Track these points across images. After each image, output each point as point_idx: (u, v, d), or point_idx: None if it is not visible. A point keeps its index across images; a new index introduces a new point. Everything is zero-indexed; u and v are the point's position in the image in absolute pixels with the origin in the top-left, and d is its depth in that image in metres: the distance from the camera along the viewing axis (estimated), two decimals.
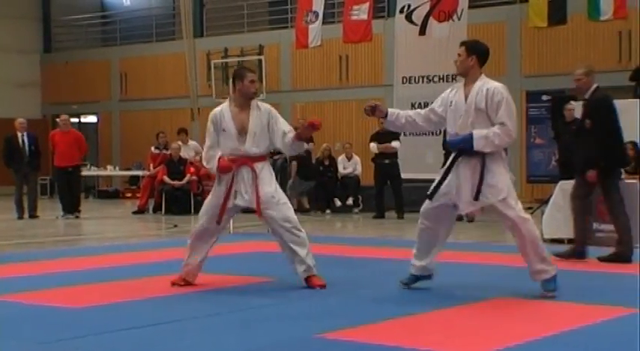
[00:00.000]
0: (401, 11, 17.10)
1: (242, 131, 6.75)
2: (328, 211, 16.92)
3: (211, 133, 6.86)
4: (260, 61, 21.73)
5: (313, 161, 17.58)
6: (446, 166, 6.44)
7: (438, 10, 16.61)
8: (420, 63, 16.52)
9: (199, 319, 5.63)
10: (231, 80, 6.81)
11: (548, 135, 16.11)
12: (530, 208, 11.95)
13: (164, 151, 17.61)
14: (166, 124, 20.95)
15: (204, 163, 7.11)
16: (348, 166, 17.35)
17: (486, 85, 6.30)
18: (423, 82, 16.68)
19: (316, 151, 17.66)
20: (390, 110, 6.61)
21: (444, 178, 6.38)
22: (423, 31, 16.79)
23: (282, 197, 6.87)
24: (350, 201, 17.08)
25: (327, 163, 17.38)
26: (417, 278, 6.66)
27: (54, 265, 8.73)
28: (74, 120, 26.21)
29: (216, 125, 6.84)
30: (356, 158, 17.33)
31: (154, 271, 7.98)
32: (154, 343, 4.95)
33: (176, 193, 16.54)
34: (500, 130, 6.16)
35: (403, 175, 16.42)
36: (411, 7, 16.89)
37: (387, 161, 15.58)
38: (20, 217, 15.33)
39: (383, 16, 20.23)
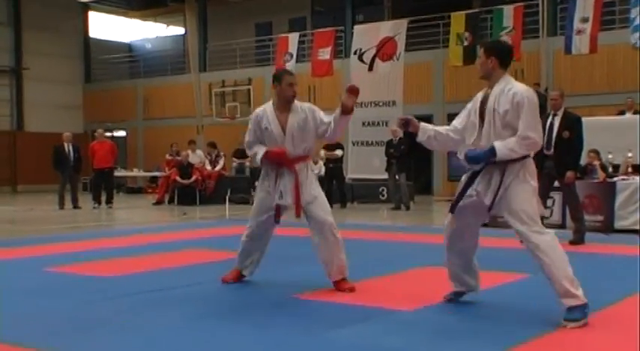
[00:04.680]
0: (355, 53, 17.18)
1: (284, 133, 5.17)
2: None
3: (251, 130, 5.27)
4: (249, 90, 21.76)
5: None
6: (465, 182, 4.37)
7: (382, 52, 16.73)
8: (369, 92, 16.55)
9: (202, 285, 5.58)
10: (272, 82, 5.23)
11: None
12: (450, 200, 11.98)
13: (176, 158, 17.59)
14: (178, 137, 20.70)
15: (249, 153, 5.41)
16: (315, 168, 17.09)
17: (508, 86, 4.20)
18: (370, 106, 16.76)
19: None
20: (421, 124, 4.50)
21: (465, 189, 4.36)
22: (371, 68, 16.90)
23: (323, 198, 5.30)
24: None
25: None
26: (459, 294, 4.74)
27: (93, 244, 8.60)
28: (108, 134, 26.07)
29: (257, 124, 5.24)
30: (320, 163, 17.23)
31: (171, 248, 7.94)
32: (170, 304, 4.93)
33: (185, 190, 16.47)
34: (521, 141, 4.09)
35: (354, 176, 16.39)
36: (362, 50, 17.00)
37: (331, 165, 15.13)
38: (61, 208, 14.88)
39: (341, 57, 20.24)
